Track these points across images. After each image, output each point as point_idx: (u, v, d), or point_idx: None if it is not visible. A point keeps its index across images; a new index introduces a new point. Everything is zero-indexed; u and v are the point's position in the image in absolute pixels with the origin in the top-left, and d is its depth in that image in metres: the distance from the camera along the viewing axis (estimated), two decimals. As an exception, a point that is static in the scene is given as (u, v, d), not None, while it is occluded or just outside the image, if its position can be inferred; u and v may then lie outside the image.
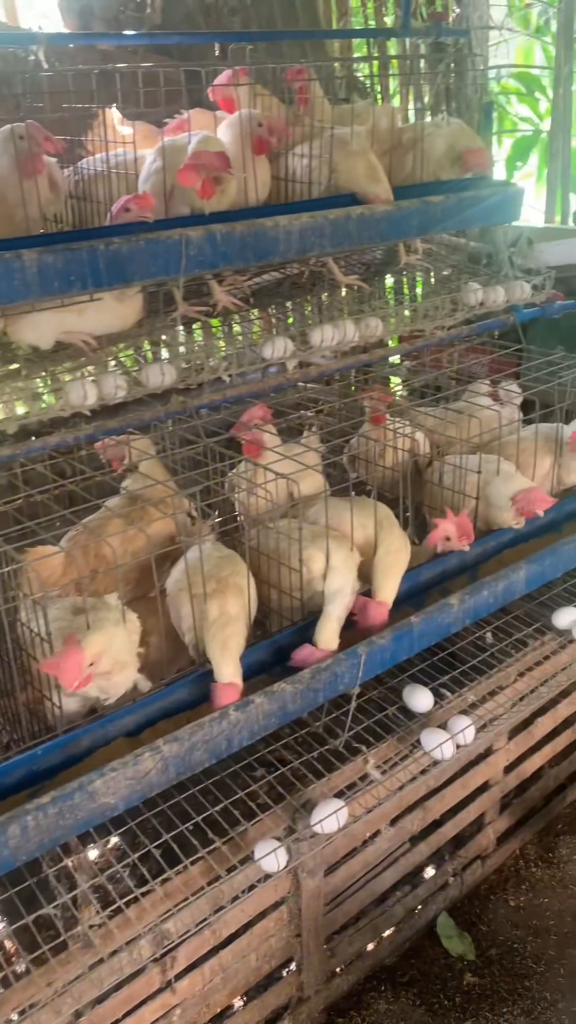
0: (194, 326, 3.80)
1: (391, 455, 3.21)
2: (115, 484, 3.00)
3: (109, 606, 2.41)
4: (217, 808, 2.47)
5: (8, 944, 2.46)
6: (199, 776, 2.45)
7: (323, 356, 3.73)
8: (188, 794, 2.51)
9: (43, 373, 2.76)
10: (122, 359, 3.13)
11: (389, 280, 4.83)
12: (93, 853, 2.51)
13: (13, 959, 2.30)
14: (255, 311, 3.61)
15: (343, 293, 3.82)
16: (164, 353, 3.20)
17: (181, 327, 3.22)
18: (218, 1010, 2.56)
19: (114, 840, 2.51)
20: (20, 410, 2.80)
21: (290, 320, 4.19)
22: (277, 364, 3.16)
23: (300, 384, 3.98)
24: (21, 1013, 2.07)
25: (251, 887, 2.41)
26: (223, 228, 2.65)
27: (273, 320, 4.09)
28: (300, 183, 3.10)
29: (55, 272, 2.38)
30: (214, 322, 3.61)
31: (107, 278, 2.48)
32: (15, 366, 2.92)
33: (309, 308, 4.16)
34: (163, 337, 3.11)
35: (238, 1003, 2.65)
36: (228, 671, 2.38)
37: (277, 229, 2.76)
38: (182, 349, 3.11)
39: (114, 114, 3.23)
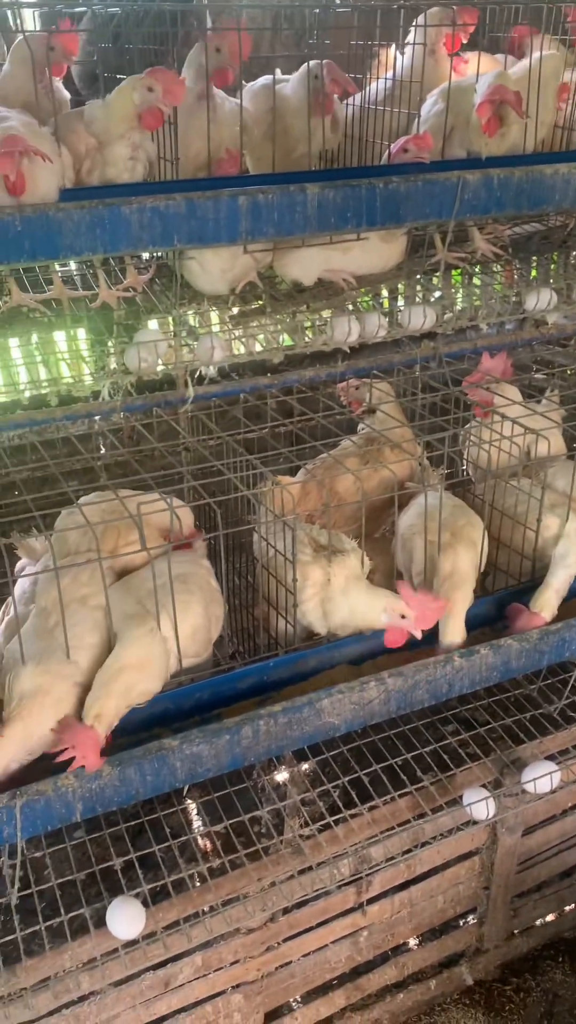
0: (436, 273, 3.75)
1: None
2: (354, 422, 3.04)
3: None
4: (426, 749, 2.52)
5: (205, 843, 2.59)
6: (410, 716, 2.50)
7: (566, 317, 3.58)
8: (398, 731, 2.58)
9: (303, 308, 2.82)
10: (368, 301, 3.14)
11: None
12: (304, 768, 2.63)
13: (218, 855, 2.43)
14: (514, 262, 3.49)
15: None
16: (420, 297, 3.18)
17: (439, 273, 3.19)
18: (400, 941, 2.64)
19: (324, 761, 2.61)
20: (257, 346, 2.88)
21: (533, 274, 4.04)
22: (518, 320, 3.04)
23: (534, 344, 3.86)
24: (230, 901, 2.23)
25: (451, 831, 2.45)
26: (501, 173, 2.58)
27: (515, 275, 3.96)
28: (577, 131, 2.97)
29: (333, 208, 2.42)
30: (455, 274, 3.55)
31: (381, 216, 2.49)
32: (259, 303, 3.01)
33: (553, 265, 4.00)
34: (420, 280, 3.09)
35: (413, 942, 2.72)
36: (453, 634, 2.39)
37: (556, 177, 2.65)
38: (437, 294, 3.08)
39: (393, 54, 3.20)
